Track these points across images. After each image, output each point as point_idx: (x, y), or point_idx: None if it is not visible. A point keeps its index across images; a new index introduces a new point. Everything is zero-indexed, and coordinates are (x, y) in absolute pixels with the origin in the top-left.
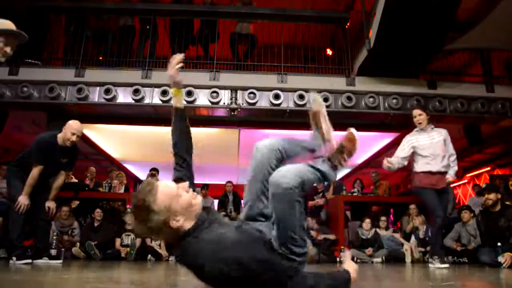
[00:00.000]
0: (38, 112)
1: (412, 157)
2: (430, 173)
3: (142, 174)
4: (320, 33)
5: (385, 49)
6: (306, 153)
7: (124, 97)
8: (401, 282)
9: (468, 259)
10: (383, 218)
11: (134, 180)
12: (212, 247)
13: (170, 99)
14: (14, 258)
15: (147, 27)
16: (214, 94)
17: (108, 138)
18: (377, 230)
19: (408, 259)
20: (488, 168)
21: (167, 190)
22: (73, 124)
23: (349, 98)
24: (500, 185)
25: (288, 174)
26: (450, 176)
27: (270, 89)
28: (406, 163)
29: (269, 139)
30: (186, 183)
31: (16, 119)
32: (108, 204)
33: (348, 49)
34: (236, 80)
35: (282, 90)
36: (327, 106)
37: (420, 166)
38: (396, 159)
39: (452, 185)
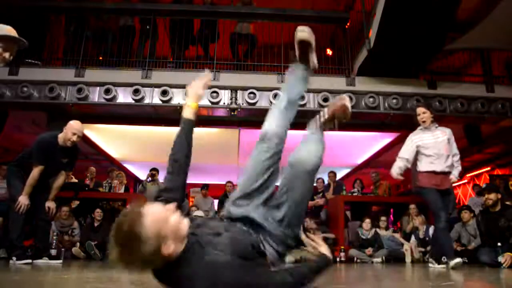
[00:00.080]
0: (38, 112)
1: (415, 156)
2: (434, 173)
3: (142, 174)
4: (320, 33)
5: (385, 49)
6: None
7: (124, 97)
8: (401, 282)
9: (468, 259)
10: (383, 218)
11: (134, 180)
12: (206, 273)
13: (170, 99)
14: (14, 258)
15: (147, 27)
16: (214, 94)
17: (108, 138)
18: (377, 230)
19: (408, 259)
20: (488, 168)
21: (156, 215)
22: (74, 124)
23: (349, 98)
24: (500, 185)
25: (312, 154)
26: (454, 176)
27: (270, 89)
28: (409, 165)
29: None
30: (173, 205)
31: (16, 119)
32: (108, 204)
33: (348, 49)
34: (236, 80)
35: None
36: (327, 106)
37: (423, 165)
38: (403, 162)
39: (452, 185)
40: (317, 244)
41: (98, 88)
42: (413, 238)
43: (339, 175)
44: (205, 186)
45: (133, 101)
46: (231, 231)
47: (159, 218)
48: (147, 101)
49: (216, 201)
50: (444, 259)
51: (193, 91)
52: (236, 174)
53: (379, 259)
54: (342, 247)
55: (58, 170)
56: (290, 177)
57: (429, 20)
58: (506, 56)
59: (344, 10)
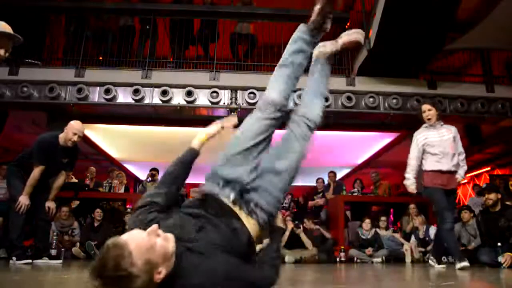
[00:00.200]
0: (38, 112)
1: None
2: (440, 172)
3: (142, 174)
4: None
5: (385, 49)
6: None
7: (124, 97)
8: (401, 282)
9: (468, 259)
10: (383, 218)
11: (134, 180)
12: (205, 281)
13: (170, 99)
14: (14, 258)
15: (147, 27)
16: (214, 94)
17: (108, 138)
18: (377, 230)
19: (408, 259)
20: (488, 168)
21: (140, 244)
22: (74, 125)
23: (349, 98)
24: (500, 185)
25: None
26: (460, 176)
27: None
28: (419, 163)
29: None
30: (155, 226)
31: (16, 119)
32: (108, 204)
33: (348, 49)
34: (236, 80)
35: None
36: (327, 106)
37: (429, 164)
38: (413, 168)
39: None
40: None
41: (98, 88)
42: (413, 238)
43: (339, 175)
44: None
45: (133, 101)
46: (213, 225)
47: (146, 249)
48: (147, 101)
49: None
50: (444, 259)
51: (211, 128)
52: None
53: (379, 259)
54: (342, 247)
55: (59, 170)
56: (292, 134)
57: (429, 20)
58: (506, 56)
59: (344, 10)
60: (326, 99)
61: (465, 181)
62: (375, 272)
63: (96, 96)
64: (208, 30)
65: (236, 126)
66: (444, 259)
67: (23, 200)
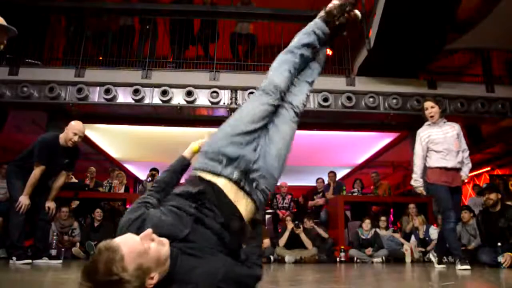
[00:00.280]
0: (38, 112)
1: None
2: (445, 169)
3: (142, 174)
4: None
5: (385, 49)
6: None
7: (124, 97)
8: (401, 282)
9: (468, 259)
10: (383, 218)
11: (134, 180)
12: (203, 282)
13: (170, 99)
14: (14, 258)
15: (147, 27)
16: (214, 94)
17: (108, 138)
18: (377, 230)
19: (408, 259)
20: (488, 168)
21: (133, 249)
22: (75, 125)
23: (349, 98)
24: (500, 185)
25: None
26: (464, 174)
27: None
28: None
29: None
30: (149, 231)
31: (16, 119)
32: (108, 204)
33: (348, 49)
34: (236, 80)
35: None
36: (327, 106)
37: (434, 161)
38: (420, 168)
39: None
40: None
41: (98, 88)
42: (413, 238)
43: (339, 175)
44: None
45: (133, 101)
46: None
47: (138, 252)
48: (147, 101)
49: None
50: (444, 259)
51: (205, 140)
52: None
53: (379, 259)
54: (342, 247)
55: (59, 170)
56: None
57: (429, 20)
58: (506, 56)
59: None
60: (326, 100)
61: (466, 181)
62: (375, 272)
63: (96, 96)
64: (208, 30)
65: None
66: (444, 259)
67: (23, 200)
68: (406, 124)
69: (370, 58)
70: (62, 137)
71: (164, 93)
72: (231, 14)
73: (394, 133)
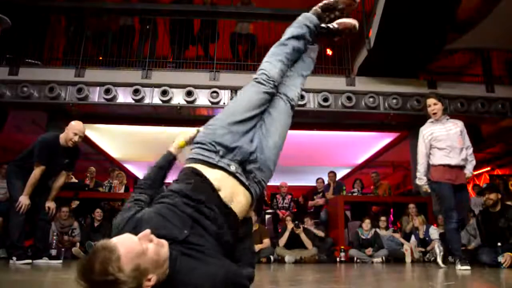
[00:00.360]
0: (38, 112)
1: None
2: (449, 166)
3: (142, 174)
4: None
5: (385, 49)
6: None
7: (124, 97)
8: (401, 282)
9: (468, 259)
10: (383, 218)
11: (134, 180)
12: (203, 284)
13: (170, 99)
14: (14, 258)
15: (147, 27)
16: (214, 94)
17: (108, 138)
18: (377, 230)
19: (408, 259)
20: (488, 168)
21: (130, 249)
22: (75, 125)
23: (349, 98)
24: (500, 185)
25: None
26: (468, 171)
27: None
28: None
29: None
30: (148, 231)
31: (16, 119)
32: (108, 204)
33: (348, 49)
34: (236, 80)
35: None
36: (327, 106)
37: (437, 158)
38: (424, 166)
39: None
40: None
41: (98, 88)
42: (413, 238)
43: (339, 175)
44: None
45: (133, 101)
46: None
47: (136, 252)
48: (147, 101)
49: None
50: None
51: (191, 132)
52: None
53: (379, 259)
54: (342, 247)
55: (59, 170)
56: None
57: (429, 20)
58: (506, 56)
59: None
60: (326, 100)
61: (470, 178)
62: (375, 272)
63: (96, 96)
64: (208, 30)
65: None
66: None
67: (23, 200)
68: (406, 124)
69: (370, 58)
70: (62, 137)
71: (164, 93)
72: (231, 14)
73: (394, 133)
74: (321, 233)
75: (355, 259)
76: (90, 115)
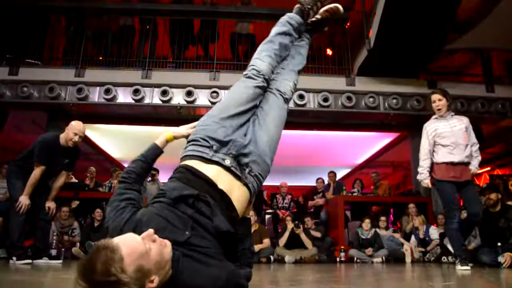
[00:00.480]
0: (38, 112)
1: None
2: (452, 164)
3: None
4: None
5: (385, 49)
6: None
7: (124, 97)
8: (401, 282)
9: (468, 259)
10: (383, 218)
11: None
12: (205, 285)
13: (170, 99)
14: (14, 258)
15: (147, 27)
16: (214, 94)
17: (108, 138)
18: (377, 230)
19: (408, 259)
20: (488, 168)
21: (133, 249)
22: (75, 125)
23: (349, 98)
24: (500, 185)
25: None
26: (474, 167)
27: None
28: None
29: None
30: (151, 231)
31: (16, 119)
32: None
33: (348, 49)
34: (236, 80)
35: None
36: (327, 106)
37: (440, 156)
38: (426, 162)
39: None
40: None
41: (98, 88)
42: (413, 238)
43: (339, 175)
44: None
45: (133, 101)
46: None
47: (139, 254)
48: (147, 101)
49: None
50: (444, 259)
51: (180, 129)
52: None
53: (379, 259)
54: (342, 247)
55: (59, 170)
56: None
57: (429, 20)
58: (506, 56)
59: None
60: (326, 100)
61: (476, 173)
62: (375, 272)
63: (96, 96)
64: (208, 30)
65: None
66: (444, 259)
67: (24, 200)
68: (406, 124)
69: (370, 58)
70: (62, 137)
71: (164, 93)
72: (231, 14)
73: (394, 133)
74: (317, 234)
75: (355, 259)
76: (90, 115)
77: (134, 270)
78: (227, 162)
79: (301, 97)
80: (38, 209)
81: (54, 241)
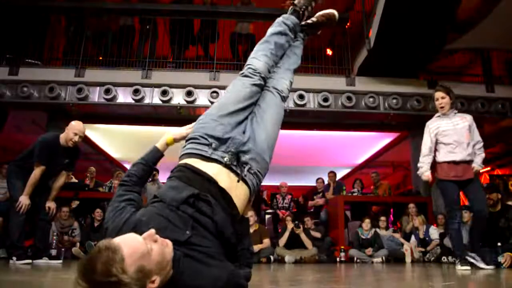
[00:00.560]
0: (38, 112)
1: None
2: (454, 163)
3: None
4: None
5: (385, 49)
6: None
7: (124, 97)
8: (401, 282)
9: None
10: (383, 218)
11: None
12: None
13: (170, 99)
14: (14, 258)
15: (147, 27)
16: (214, 94)
17: (108, 138)
18: (377, 230)
19: (408, 259)
20: (488, 168)
21: (135, 250)
22: (75, 125)
23: (349, 98)
24: (500, 185)
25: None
26: (477, 164)
27: None
28: (433, 154)
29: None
30: (152, 231)
31: (16, 119)
32: (108, 204)
33: (348, 49)
34: None
35: None
36: (327, 106)
37: (442, 155)
38: (427, 160)
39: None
40: None
41: (98, 88)
42: (413, 238)
43: (339, 175)
44: None
45: (133, 101)
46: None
47: (140, 255)
48: (147, 101)
49: None
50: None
51: (181, 130)
52: None
53: (379, 259)
54: (342, 247)
55: (59, 170)
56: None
57: (429, 20)
58: (506, 56)
59: (343, 10)
60: (326, 100)
61: (480, 171)
62: (375, 272)
63: (96, 96)
64: (208, 30)
65: None
66: (444, 259)
67: (24, 200)
68: (406, 124)
69: (370, 58)
70: (62, 137)
71: (164, 93)
72: (231, 14)
73: (394, 133)
74: (317, 234)
75: (355, 259)
76: (90, 115)
77: (135, 270)
78: (226, 159)
79: (301, 97)
80: (38, 209)
81: (54, 241)
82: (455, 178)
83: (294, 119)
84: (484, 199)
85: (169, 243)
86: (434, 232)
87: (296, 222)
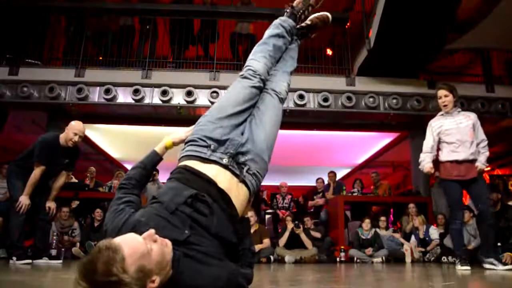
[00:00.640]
0: (38, 112)
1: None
2: (457, 162)
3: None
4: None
5: (385, 49)
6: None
7: (124, 97)
8: (401, 282)
9: (468, 259)
10: (383, 218)
11: None
12: (206, 285)
13: (170, 99)
14: (14, 258)
15: (147, 27)
16: (214, 94)
17: (108, 138)
18: (377, 230)
19: (408, 259)
20: (488, 168)
21: (135, 249)
22: (75, 125)
23: (349, 98)
24: (500, 185)
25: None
26: (481, 163)
27: None
28: (435, 152)
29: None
30: (152, 231)
31: (16, 119)
32: (108, 204)
33: (348, 49)
34: None
35: None
36: (327, 106)
37: (445, 154)
38: (428, 157)
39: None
40: None
41: (98, 88)
42: (413, 238)
43: (339, 175)
44: None
45: (133, 101)
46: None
47: (141, 254)
48: (147, 101)
49: None
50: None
51: (179, 133)
52: None
53: (379, 259)
54: (342, 247)
55: (59, 170)
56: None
57: (429, 20)
58: (506, 56)
59: (344, 10)
60: (326, 100)
61: (484, 169)
62: (375, 272)
63: (96, 96)
64: (208, 30)
65: None
66: (444, 259)
67: (24, 200)
68: (406, 124)
69: (370, 58)
70: (62, 137)
71: (164, 93)
72: (231, 14)
73: (394, 133)
74: (317, 234)
75: (355, 259)
76: (90, 115)
77: (136, 270)
78: (225, 161)
79: (301, 97)
80: (38, 209)
81: (54, 241)
82: (458, 178)
83: (294, 119)
84: (487, 199)
85: (168, 243)
86: (434, 232)
87: (296, 222)
